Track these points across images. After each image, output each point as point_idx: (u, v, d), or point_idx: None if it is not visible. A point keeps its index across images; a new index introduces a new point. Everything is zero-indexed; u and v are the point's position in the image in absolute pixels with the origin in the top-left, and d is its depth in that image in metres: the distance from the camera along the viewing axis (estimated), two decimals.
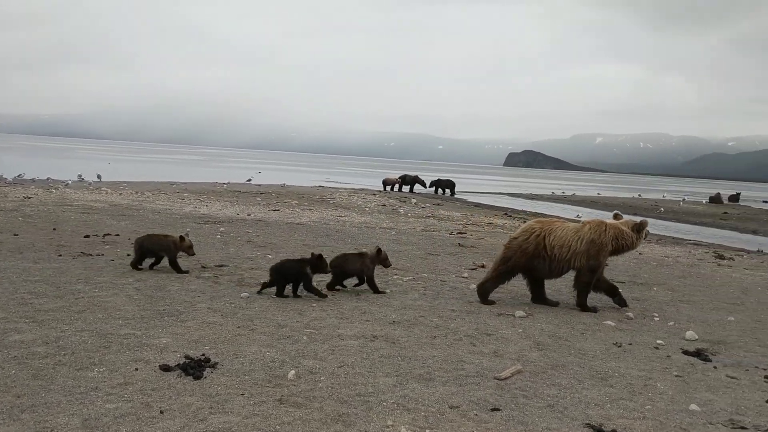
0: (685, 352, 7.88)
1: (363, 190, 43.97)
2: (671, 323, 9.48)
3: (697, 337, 8.63)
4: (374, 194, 39.77)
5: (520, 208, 39.31)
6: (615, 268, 14.76)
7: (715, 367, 7.37)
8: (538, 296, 10.29)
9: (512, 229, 23.44)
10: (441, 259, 14.07)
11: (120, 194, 26.26)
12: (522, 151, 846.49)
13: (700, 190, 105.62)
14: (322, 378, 6.03)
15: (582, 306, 10.04)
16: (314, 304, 8.96)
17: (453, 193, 47.53)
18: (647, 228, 10.41)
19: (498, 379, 6.30)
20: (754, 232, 34.00)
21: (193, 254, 11.04)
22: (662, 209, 45.37)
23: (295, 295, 9.42)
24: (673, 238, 27.03)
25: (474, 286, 11.06)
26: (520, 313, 9.25)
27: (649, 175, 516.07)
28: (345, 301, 9.30)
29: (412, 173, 53.04)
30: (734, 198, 68.42)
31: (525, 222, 27.43)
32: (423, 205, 32.75)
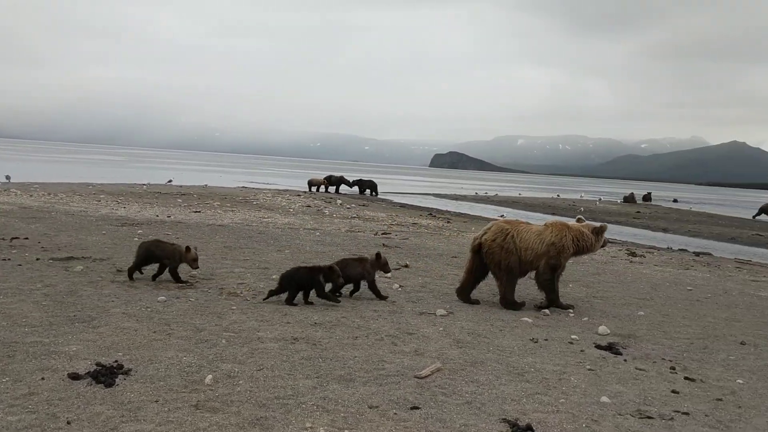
0: (598, 347, 8.16)
1: (287, 190, 43.55)
2: (585, 319, 9.81)
3: (609, 331, 8.97)
4: (299, 195, 39.47)
5: (444, 209, 39.85)
6: None
7: (625, 360, 7.67)
8: (467, 293, 10.46)
9: (436, 229, 23.78)
10: None
11: (30, 196, 25.04)
12: (447, 153, 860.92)
13: (615, 190, 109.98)
14: (241, 382, 5.92)
15: (553, 303, 10.37)
16: (234, 307, 8.80)
17: (376, 193, 47.92)
18: (605, 234, 10.72)
19: (418, 378, 6.36)
20: (665, 230, 35.67)
21: (197, 267, 10.40)
22: (582, 209, 47.03)
23: (307, 302, 9.40)
24: None
25: (398, 285, 11.15)
26: (441, 311, 9.37)
27: (567, 175, 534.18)
28: (266, 304, 9.16)
29: (338, 174, 52.99)
30: (647, 197, 71.68)
31: (449, 222, 27.83)
32: (348, 206, 32.73)
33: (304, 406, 5.45)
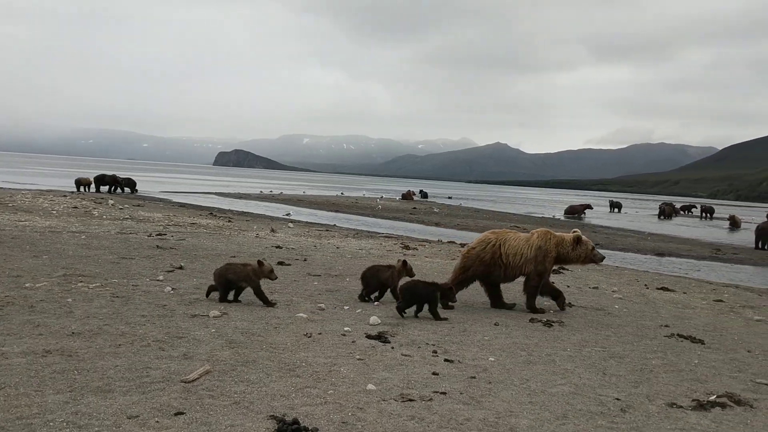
0: (369, 336, 8.48)
1: (51, 191, 39.80)
2: (359, 311, 10.15)
3: (379, 321, 9.37)
4: (65, 196, 36.22)
5: (227, 208, 39.05)
6: (315, 262, 15.40)
7: (392, 348, 8.05)
8: (496, 301, 11.43)
9: (216, 228, 23.22)
10: (135, 263, 13.27)
11: None
12: (232, 151, 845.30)
13: (395, 188, 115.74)
14: None
15: (531, 308, 11.12)
16: None
17: (133, 190, 46.46)
18: (588, 243, 11.25)
19: (185, 382, 6.10)
20: (437, 225, 38.26)
21: (276, 277, 10.43)
22: (380, 206, 49.17)
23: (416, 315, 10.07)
24: (368, 232, 29.14)
25: (170, 288, 10.65)
26: (214, 312, 9.11)
27: (352, 174, 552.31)
28: (14, 315, 8.23)
29: (111, 173, 49.59)
30: (424, 195, 76.46)
31: (230, 221, 27.27)
32: (121, 207, 30.72)
33: (52, 423, 4.96)
